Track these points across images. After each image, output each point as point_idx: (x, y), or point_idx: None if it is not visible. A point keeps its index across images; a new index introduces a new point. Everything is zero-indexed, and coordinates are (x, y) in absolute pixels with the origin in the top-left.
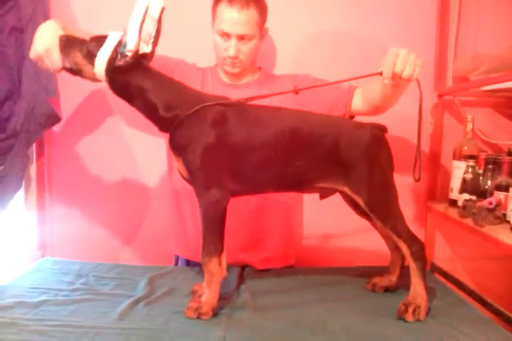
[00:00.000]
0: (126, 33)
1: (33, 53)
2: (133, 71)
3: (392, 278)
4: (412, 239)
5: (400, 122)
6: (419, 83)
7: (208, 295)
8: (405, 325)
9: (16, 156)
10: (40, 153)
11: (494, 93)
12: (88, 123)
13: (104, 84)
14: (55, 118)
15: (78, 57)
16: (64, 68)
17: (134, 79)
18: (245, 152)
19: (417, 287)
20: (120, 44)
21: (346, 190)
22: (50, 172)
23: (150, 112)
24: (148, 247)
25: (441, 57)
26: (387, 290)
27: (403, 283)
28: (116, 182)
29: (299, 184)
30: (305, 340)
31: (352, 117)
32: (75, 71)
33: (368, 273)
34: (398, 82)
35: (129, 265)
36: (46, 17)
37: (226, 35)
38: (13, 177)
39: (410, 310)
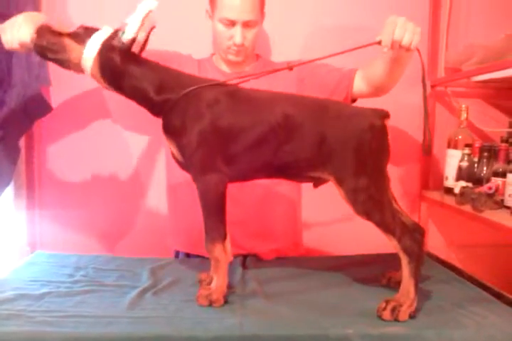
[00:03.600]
0: (124, 24)
1: None
2: (124, 57)
3: None
4: (404, 232)
5: (392, 111)
6: (419, 52)
7: (217, 281)
8: (421, 306)
9: (6, 149)
10: (29, 146)
11: (484, 84)
12: (79, 113)
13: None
14: (46, 108)
15: (59, 39)
16: (35, 46)
17: (124, 63)
18: (238, 135)
19: (406, 284)
20: (117, 32)
21: (332, 180)
22: (40, 165)
23: (140, 96)
24: (142, 244)
25: (433, 48)
26: None
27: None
28: (109, 175)
29: (290, 172)
30: (322, 323)
31: (354, 100)
32: (49, 51)
33: (375, 260)
34: (399, 53)
35: (127, 257)
36: (35, 2)
37: (231, 23)
38: (3, 170)
39: (389, 307)
